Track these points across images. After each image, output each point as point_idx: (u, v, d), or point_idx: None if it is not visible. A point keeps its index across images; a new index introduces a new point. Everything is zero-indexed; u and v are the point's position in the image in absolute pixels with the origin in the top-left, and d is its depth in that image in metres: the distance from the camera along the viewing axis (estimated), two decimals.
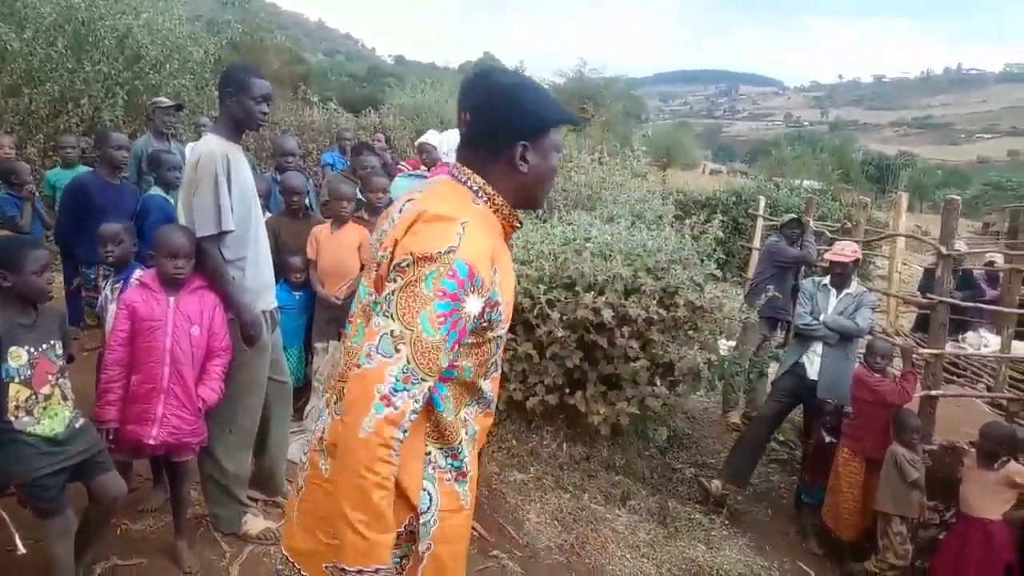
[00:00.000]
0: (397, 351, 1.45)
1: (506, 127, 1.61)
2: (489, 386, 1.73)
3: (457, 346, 1.53)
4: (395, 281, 1.50)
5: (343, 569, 1.47)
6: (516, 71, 1.60)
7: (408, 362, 1.45)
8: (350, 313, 1.75)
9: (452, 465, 1.66)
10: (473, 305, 1.51)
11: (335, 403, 1.68)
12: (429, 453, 1.62)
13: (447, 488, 1.64)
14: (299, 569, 1.68)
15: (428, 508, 1.61)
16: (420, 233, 1.52)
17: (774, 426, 5.47)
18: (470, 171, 1.64)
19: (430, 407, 1.59)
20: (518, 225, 1.70)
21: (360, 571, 1.46)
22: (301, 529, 1.70)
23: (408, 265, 1.48)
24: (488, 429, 1.81)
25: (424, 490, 1.61)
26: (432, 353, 1.47)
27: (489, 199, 1.64)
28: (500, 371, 1.80)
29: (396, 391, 1.44)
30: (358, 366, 1.48)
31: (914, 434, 4.40)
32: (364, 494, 1.43)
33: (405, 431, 1.47)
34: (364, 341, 1.51)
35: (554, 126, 1.66)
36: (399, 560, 1.62)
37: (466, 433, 1.68)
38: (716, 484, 4.99)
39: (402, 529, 1.60)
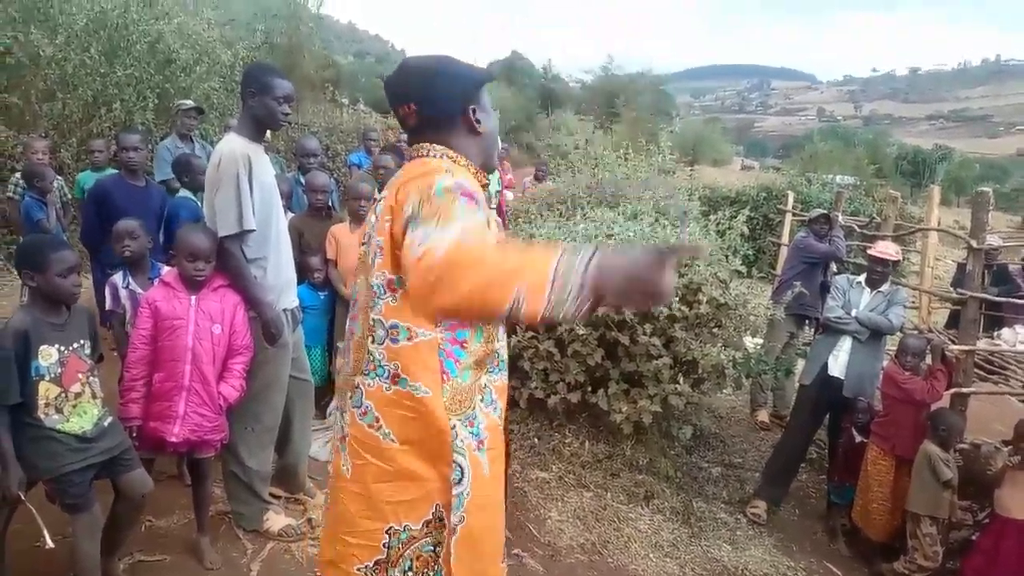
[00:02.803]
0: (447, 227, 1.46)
1: (453, 98, 1.72)
2: (503, 349, 1.77)
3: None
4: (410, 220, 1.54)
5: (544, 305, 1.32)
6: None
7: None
8: (351, 312, 1.78)
9: (471, 433, 1.66)
10: (482, 215, 1.55)
11: (350, 398, 1.69)
12: (454, 427, 1.63)
13: (474, 458, 1.65)
14: None
15: (461, 479, 1.62)
16: (411, 190, 1.57)
17: (807, 439, 5.29)
18: (428, 145, 1.73)
19: (446, 374, 1.62)
20: (486, 182, 1.80)
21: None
22: (327, 541, 1.72)
23: (414, 207, 1.53)
24: (506, 394, 1.83)
25: (455, 463, 1.62)
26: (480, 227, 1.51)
27: (455, 161, 1.72)
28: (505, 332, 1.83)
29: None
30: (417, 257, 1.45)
31: (954, 433, 4.29)
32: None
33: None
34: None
35: (485, 83, 1.79)
36: (433, 549, 1.64)
37: (483, 401, 1.69)
38: (761, 506, 4.89)
39: (430, 517, 1.63)
